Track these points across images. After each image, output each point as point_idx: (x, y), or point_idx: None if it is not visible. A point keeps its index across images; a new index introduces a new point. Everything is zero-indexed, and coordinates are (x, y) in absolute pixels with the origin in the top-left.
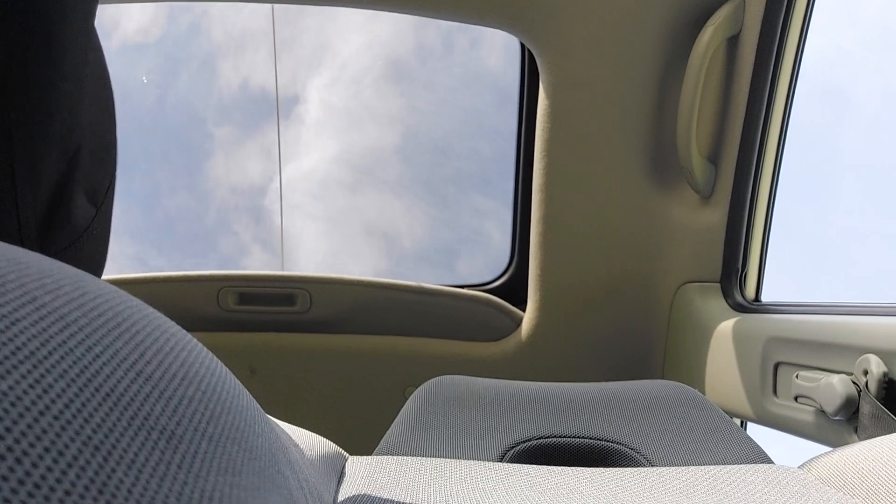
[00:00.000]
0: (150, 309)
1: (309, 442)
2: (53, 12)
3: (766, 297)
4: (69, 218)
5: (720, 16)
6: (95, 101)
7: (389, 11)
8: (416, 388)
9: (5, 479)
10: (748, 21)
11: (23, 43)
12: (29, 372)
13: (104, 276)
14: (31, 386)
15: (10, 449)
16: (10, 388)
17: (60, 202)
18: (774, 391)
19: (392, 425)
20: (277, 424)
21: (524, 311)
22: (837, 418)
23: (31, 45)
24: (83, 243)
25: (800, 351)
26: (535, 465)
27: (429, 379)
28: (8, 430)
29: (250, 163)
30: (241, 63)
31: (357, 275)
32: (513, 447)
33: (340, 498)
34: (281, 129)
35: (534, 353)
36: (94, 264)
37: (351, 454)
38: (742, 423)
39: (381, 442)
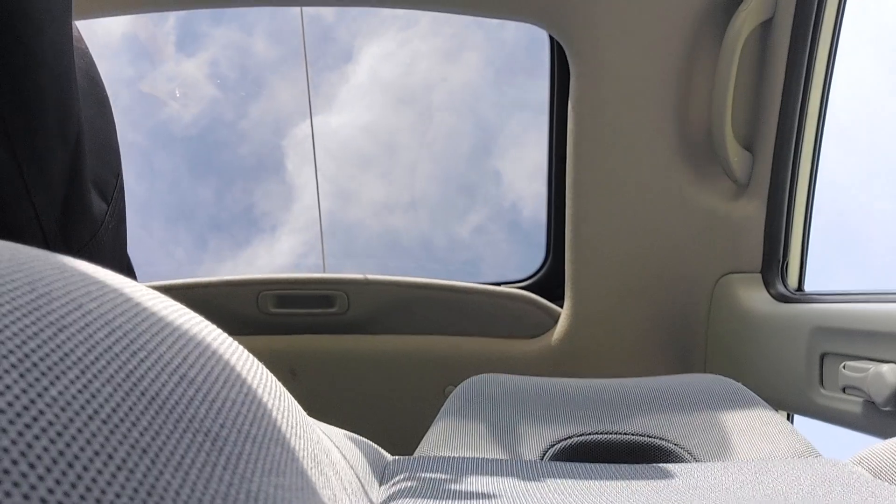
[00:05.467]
0: (192, 314)
1: (351, 443)
2: (23, 13)
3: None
4: (85, 213)
5: (752, 0)
6: (88, 97)
7: (415, 9)
8: (456, 386)
9: (58, 481)
10: (781, 5)
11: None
12: (77, 377)
13: (147, 284)
14: (79, 391)
15: (61, 452)
16: (60, 393)
17: (74, 198)
18: (821, 382)
19: (432, 425)
20: (319, 426)
21: (561, 306)
22: (887, 409)
23: (7, 44)
24: (102, 237)
25: (846, 340)
26: (576, 463)
27: (468, 377)
28: (59, 434)
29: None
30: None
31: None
32: (554, 445)
33: (383, 497)
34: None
35: (572, 348)
36: (117, 259)
37: (392, 454)
38: (788, 416)
39: (422, 441)
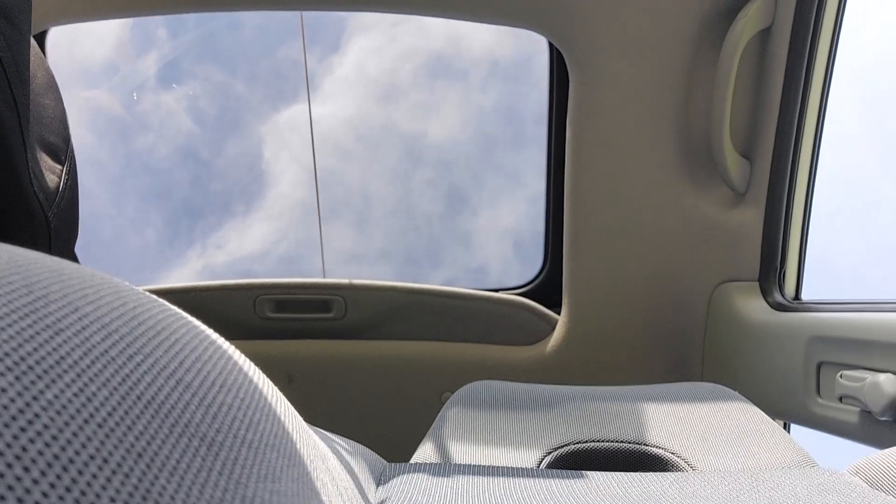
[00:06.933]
0: (189, 318)
1: (348, 449)
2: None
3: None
4: (42, 175)
5: (751, 9)
6: (39, 70)
7: (414, 14)
8: (453, 392)
9: (53, 486)
10: (780, 13)
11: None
12: (73, 381)
13: (144, 287)
14: (75, 395)
15: (56, 457)
16: (56, 396)
17: (36, 161)
18: (818, 392)
19: (429, 431)
20: (316, 431)
21: (559, 313)
22: (884, 418)
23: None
24: (64, 198)
25: (843, 350)
26: (573, 471)
27: (465, 384)
28: (54, 438)
29: None
30: None
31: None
32: (551, 452)
33: None
34: None
35: (570, 356)
36: (72, 223)
37: (389, 460)
38: (785, 425)
39: (419, 448)
